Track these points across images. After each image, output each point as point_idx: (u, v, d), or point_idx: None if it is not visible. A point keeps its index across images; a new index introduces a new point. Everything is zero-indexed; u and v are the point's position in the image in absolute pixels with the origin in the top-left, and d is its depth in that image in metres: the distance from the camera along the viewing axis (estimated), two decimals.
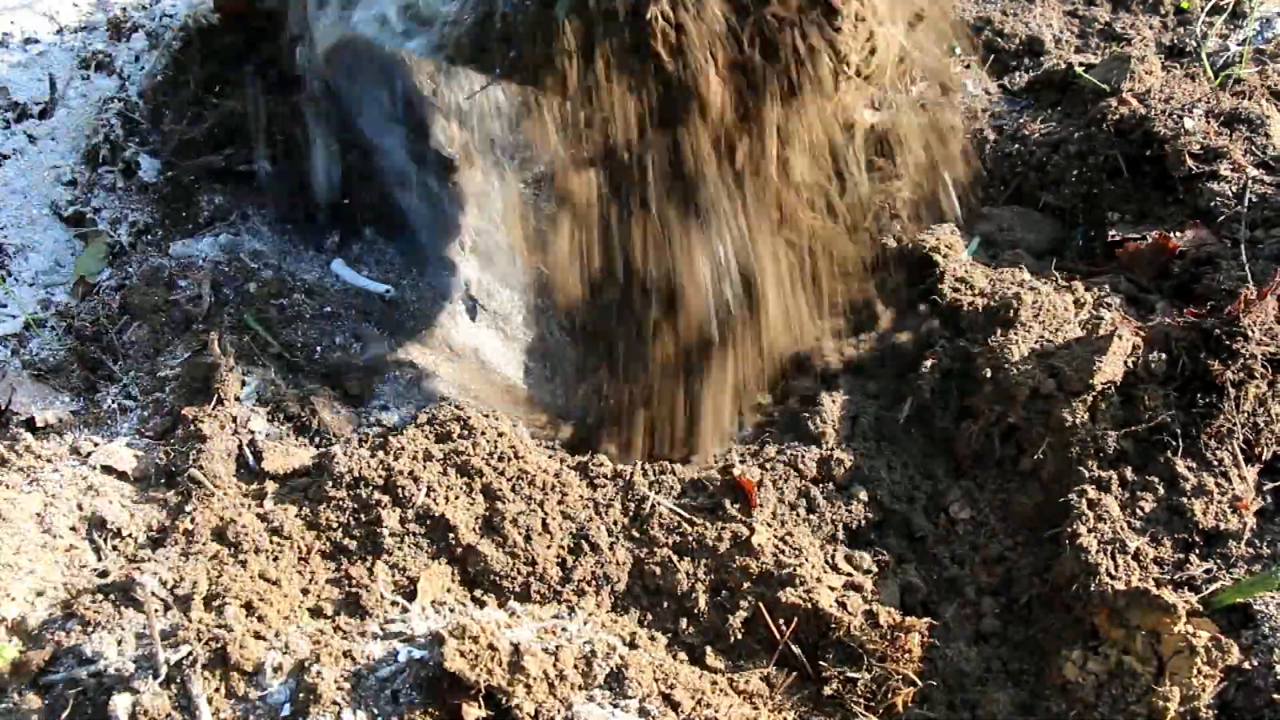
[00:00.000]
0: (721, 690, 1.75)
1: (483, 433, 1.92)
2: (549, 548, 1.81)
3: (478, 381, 2.21)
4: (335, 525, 1.84)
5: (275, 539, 1.83)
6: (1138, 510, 1.88)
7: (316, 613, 1.76)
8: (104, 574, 1.84)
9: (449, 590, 1.77)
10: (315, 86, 2.33)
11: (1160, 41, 3.08)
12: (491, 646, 1.57)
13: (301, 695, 1.59)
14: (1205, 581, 1.81)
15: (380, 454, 1.90)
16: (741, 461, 1.98)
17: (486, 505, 1.84)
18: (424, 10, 1.90)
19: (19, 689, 1.66)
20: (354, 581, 1.77)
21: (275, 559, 1.79)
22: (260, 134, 2.42)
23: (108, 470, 2.04)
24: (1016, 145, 2.71)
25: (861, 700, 1.76)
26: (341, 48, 2.14)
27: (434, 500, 1.83)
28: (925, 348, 2.16)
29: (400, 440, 1.91)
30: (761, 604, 1.83)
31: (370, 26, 1.99)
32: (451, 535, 1.81)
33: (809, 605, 1.78)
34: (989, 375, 2.06)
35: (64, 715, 1.62)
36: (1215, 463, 1.91)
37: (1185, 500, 1.88)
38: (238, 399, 2.06)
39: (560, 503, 1.87)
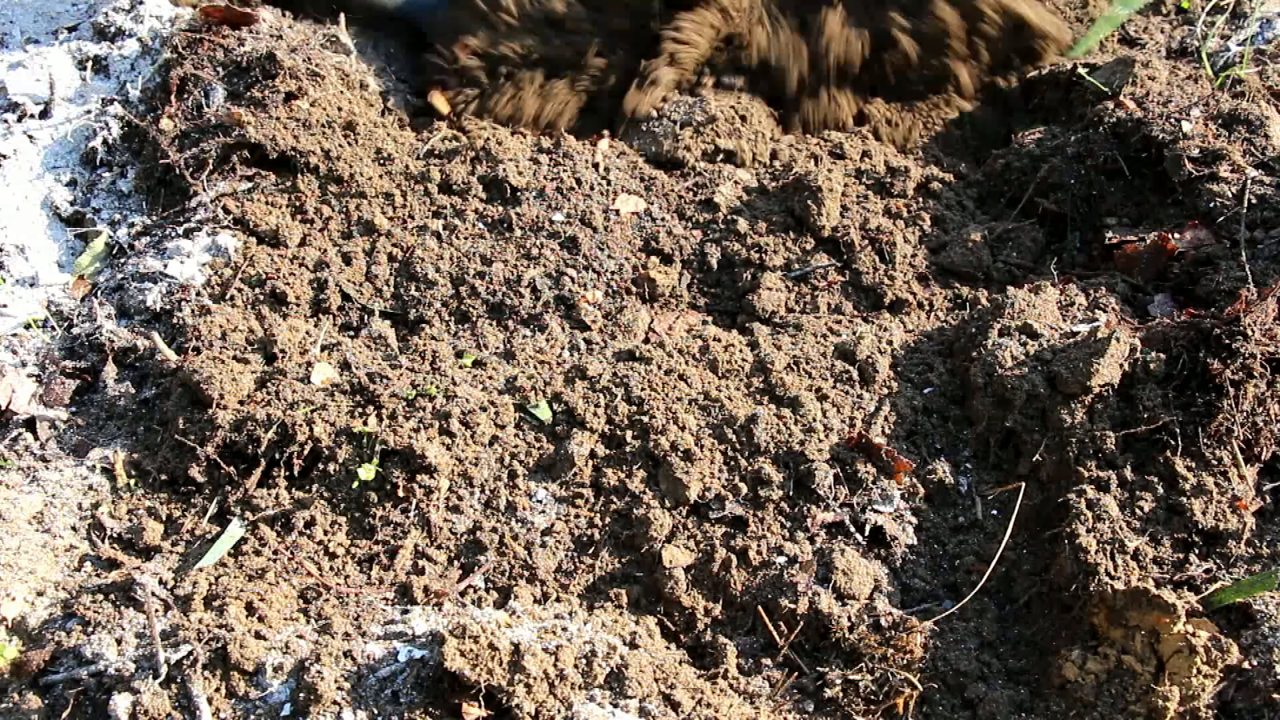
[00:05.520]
0: (721, 690, 1.75)
1: None
2: None
3: None
4: None
5: None
6: (1137, 510, 1.88)
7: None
8: (106, 570, 1.85)
9: None
10: None
11: (1160, 41, 3.08)
12: (492, 646, 1.57)
13: (301, 695, 1.59)
14: (1205, 581, 1.81)
15: None
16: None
17: None
18: None
19: (19, 689, 1.66)
20: None
21: None
22: None
23: (107, 471, 2.05)
24: (1015, 148, 2.71)
25: (862, 701, 1.76)
26: None
27: None
28: None
29: None
30: (762, 608, 1.84)
31: None
32: None
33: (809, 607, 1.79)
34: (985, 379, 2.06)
35: (64, 715, 1.62)
36: (1214, 462, 1.92)
37: (1185, 500, 1.88)
38: None
39: None
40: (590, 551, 1.94)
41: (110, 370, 2.22)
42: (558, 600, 1.87)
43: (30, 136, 2.65)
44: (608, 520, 1.97)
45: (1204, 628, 1.70)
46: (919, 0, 2.85)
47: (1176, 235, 2.38)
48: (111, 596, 1.80)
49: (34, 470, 2.03)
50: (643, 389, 2.11)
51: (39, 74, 2.74)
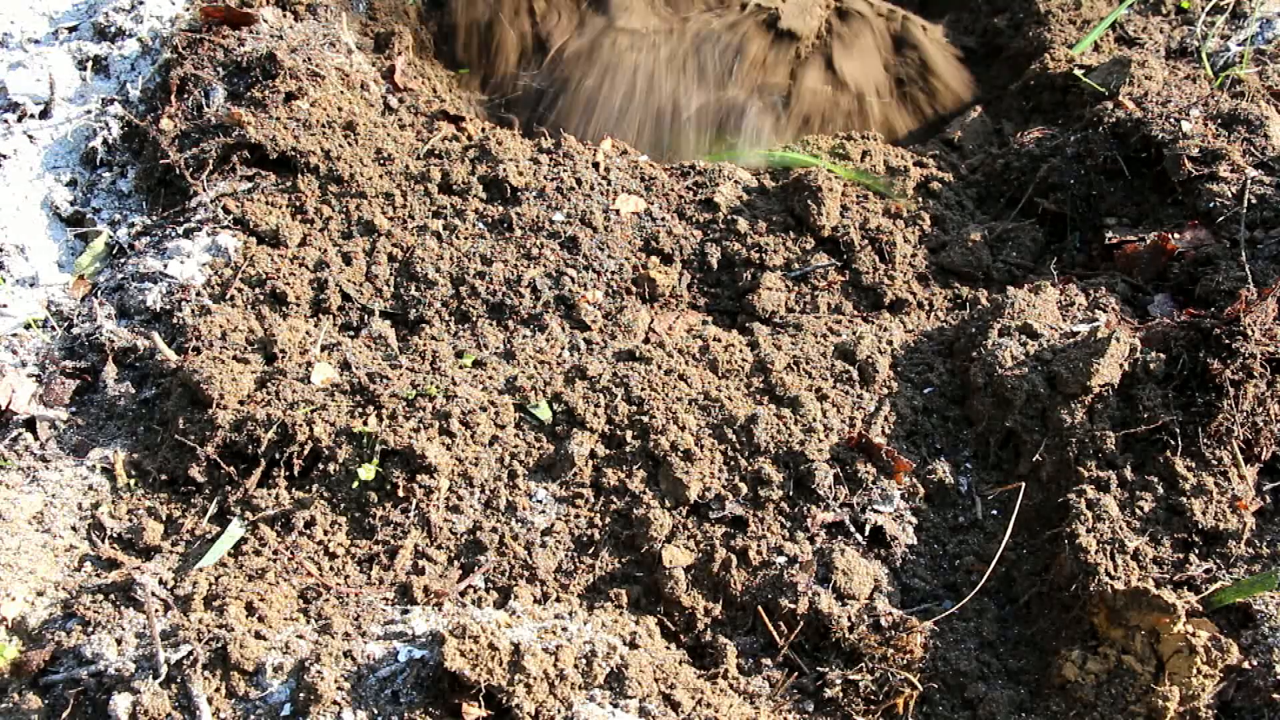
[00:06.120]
0: (721, 690, 1.75)
1: None
2: None
3: None
4: None
5: None
6: (1137, 510, 1.88)
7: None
8: (106, 570, 1.85)
9: None
10: None
11: (1159, 41, 3.08)
12: (492, 646, 1.57)
13: (301, 695, 1.59)
14: (1205, 581, 1.81)
15: None
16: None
17: None
18: None
19: (19, 689, 1.66)
20: None
21: None
22: None
23: (107, 471, 2.05)
24: (1014, 148, 2.71)
25: (862, 701, 1.77)
26: None
27: None
28: None
29: None
30: (762, 608, 1.84)
31: None
32: None
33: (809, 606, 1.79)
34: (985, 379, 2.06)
35: (64, 715, 1.62)
36: (1214, 462, 1.92)
37: (1185, 500, 1.88)
38: None
39: None
40: (590, 551, 1.94)
41: (110, 370, 2.22)
42: (558, 600, 1.87)
43: (30, 136, 2.65)
44: (608, 520, 1.97)
45: (1204, 628, 1.70)
46: None
47: (1176, 235, 2.38)
48: (111, 596, 1.80)
49: (34, 470, 2.04)
50: (643, 389, 2.11)
51: (39, 74, 2.74)
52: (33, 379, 2.20)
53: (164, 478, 2.05)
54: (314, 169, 2.59)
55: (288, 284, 2.38)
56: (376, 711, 1.58)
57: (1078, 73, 2.82)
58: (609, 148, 2.75)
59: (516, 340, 2.34)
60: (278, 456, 2.01)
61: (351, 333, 2.36)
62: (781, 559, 1.89)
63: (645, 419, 2.05)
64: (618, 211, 2.58)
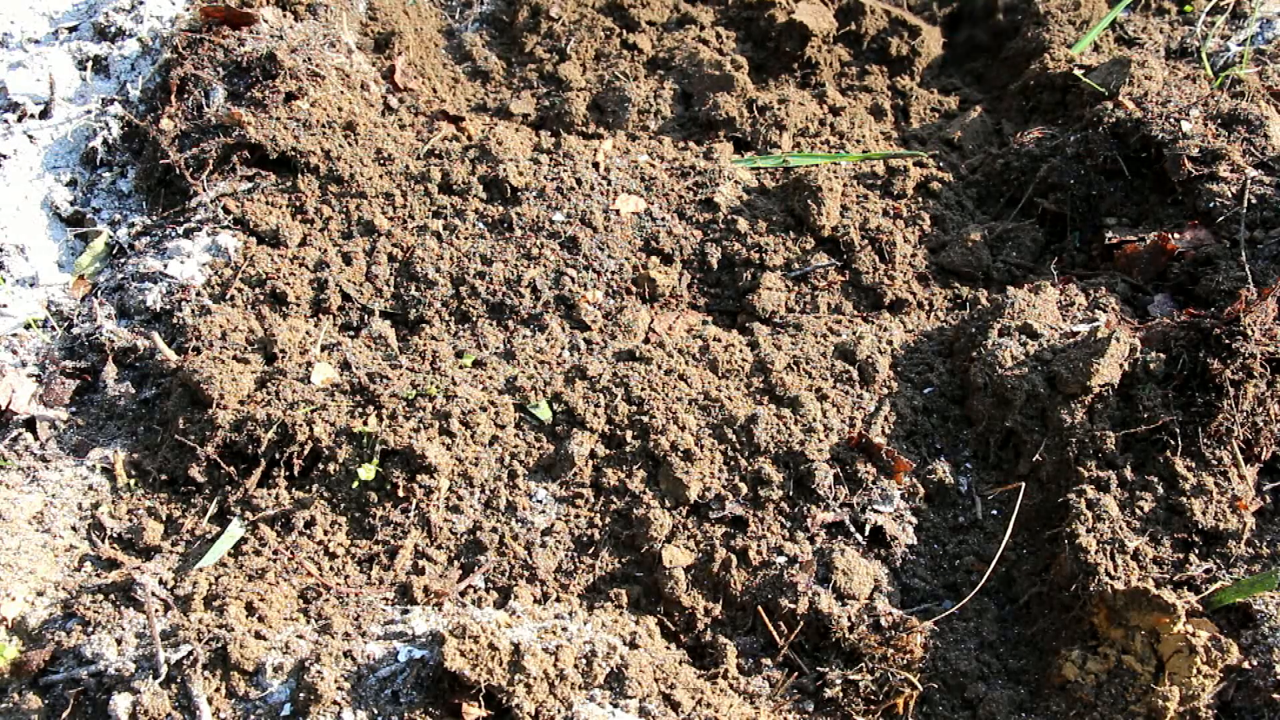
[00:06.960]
0: (721, 690, 1.75)
1: None
2: None
3: None
4: None
5: None
6: (1137, 510, 1.88)
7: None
8: (106, 570, 1.85)
9: None
10: None
11: (1159, 42, 3.08)
12: (492, 646, 1.57)
13: (301, 695, 1.59)
14: (1205, 581, 1.81)
15: None
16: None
17: None
18: None
19: (19, 689, 1.66)
20: None
21: None
22: None
23: (107, 471, 2.05)
24: (1014, 148, 2.71)
25: (862, 701, 1.77)
26: None
27: None
28: None
29: None
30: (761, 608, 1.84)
31: None
32: None
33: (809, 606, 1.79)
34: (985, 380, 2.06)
35: (64, 715, 1.62)
36: (1214, 462, 1.92)
37: (1185, 500, 1.88)
38: None
39: None
40: (590, 551, 1.94)
41: (110, 370, 2.22)
42: (558, 600, 1.87)
43: (30, 136, 2.64)
44: (608, 520, 1.97)
45: (1204, 628, 1.70)
46: None
47: (1176, 235, 2.38)
48: (111, 596, 1.80)
49: (34, 470, 2.04)
50: (643, 389, 2.11)
51: (39, 74, 2.74)
52: (33, 379, 2.20)
53: (164, 478, 2.05)
54: (314, 169, 2.59)
55: (288, 284, 2.38)
56: (376, 711, 1.58)
57: (1078, 73, 2.83)
58: (609, 148, 2.75)
59: (516, 340, 2.34)
60: (278, 456, 2.01)
61: (351, 333, 2.36)
62: (781, 559, 1.89)
63: (645, 419, 2.05)
64: (618, 211, 2.58)
